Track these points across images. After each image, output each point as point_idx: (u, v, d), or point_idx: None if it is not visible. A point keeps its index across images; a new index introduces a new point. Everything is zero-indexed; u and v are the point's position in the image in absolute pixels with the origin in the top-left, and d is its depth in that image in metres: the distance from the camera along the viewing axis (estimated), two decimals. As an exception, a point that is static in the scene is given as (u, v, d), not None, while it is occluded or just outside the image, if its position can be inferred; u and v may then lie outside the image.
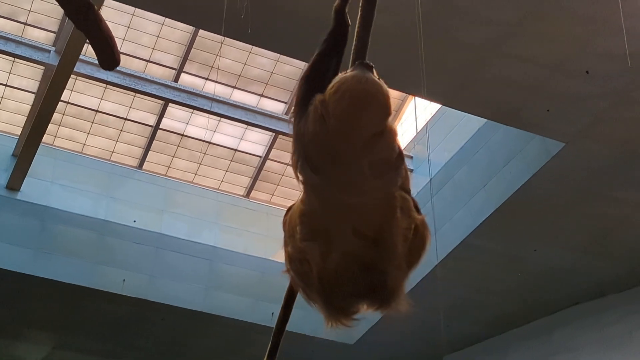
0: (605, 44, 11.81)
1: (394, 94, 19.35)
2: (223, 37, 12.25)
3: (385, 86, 3.16)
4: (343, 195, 3.00)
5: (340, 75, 3.20)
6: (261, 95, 18.56)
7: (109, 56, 3.89)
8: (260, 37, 12.47)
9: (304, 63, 16.90)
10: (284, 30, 12.20)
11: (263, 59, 18.15)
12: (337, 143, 3.01)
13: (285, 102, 18.74)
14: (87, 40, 3.86)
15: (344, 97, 3.02)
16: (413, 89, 13.64)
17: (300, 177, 3.11)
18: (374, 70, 3.22)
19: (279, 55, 16.58)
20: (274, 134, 18.87)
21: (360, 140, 3.01)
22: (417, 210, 3.24)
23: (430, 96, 14.00)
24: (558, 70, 12.45)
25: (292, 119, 3.31)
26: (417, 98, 16.97)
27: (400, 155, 3.15)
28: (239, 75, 18.23)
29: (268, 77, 18.44)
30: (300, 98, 3.29)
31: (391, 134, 3.10)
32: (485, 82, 12.71)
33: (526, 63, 12.37)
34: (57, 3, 3.72)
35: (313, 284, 3.05)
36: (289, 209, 3.31)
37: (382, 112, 3.07)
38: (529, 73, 12.53)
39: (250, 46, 16.38)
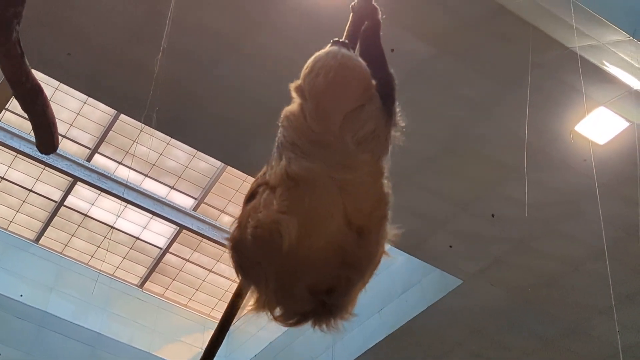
0: (513, 190, 12.18)
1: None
2: (143, 125, 12.25)
3: (361, 60, 3.08)
4: (335, 175, 2.85)
5: (314, 55, 3.08)
6: (172, 188, 18.46)
7: (48, 141, 3.85)
8: (180, 130, 12.48)
9: (219, 162, 16.97)
10: (204, 128, 12.24)
11: (179, 152, 18.13)
12: (318, 123, 2.92)
13: (194, 198, 18.65)
14: (30, 122, 3.80)
15: (318, 75, 2.94)
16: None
17: (292, 170, 2.90)
18: (349, 48, 3.13)
19: (196, 151, 16.59)
20: (178, 227, 18.69)
21: (340, 115, 2.92)
22: None
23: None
24: (465, 208, 12.76)
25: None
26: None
27: (387, 123, 3.03)
28: (153, 165, 18.14)
29: (182, 171, 18.39)
30: None
31: (373, 105, 2.99)
32: (394, 208, 12.89)
33: (436, 197, 12.64)
34: (7, 83, 3.69)
35: (276, 258, 2.79)
36: (262, 175, 3.13)
37: (362, 84, 2.98)
38: (437, 207, 12.79)
39: (170, 138, 16.37)
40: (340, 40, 3.14)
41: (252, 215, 2.90)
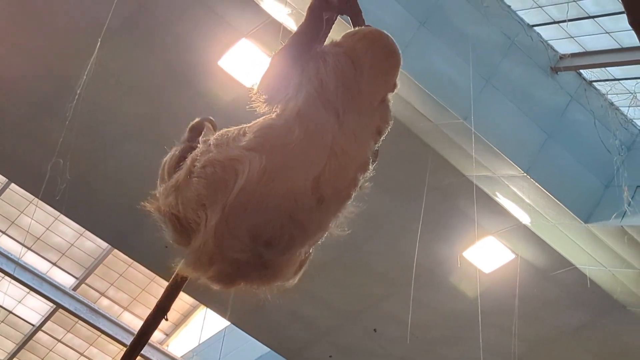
0: (397, 308, 12.26)
1: (187, 299, 19.21)
2: (33, 197, 11.96)
3: None
4: (339, 139, 2.77)
5: (357, 28, 3.07)
6: (54, 264, 17.93)
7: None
8: (72, 207, 12.21)
9: (105, 243, 16.61)
10: (97, 208, 12.03)
11: (67, 229, 17.69)
12: (365, 87, 2.88)
13: (76, 277, 18.15)
14: None
15: (376, 43, 2.96)
16: (209, 300, 13.54)
17: (305, 111, 2.77)
18: None
19: (84, 229, 16.22)
20: (55, 306, 18.08)
21: (383, 93, 2.95)
22: None
23: (223, 312, 13.91)
24: (349, 320, 12.76)
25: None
26: (208, 310, 16.83)
27: (387, 127, 3.02)
28: (38, 238, 17.63)
29: (67, 248, 17.91)
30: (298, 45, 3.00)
31: (388, 106, 3.01)
32: (279, 311, 12.81)
33: (322, 305, 12.61)
34: None
35: (222, 198, 2.63)
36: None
37: (397, 71, 3.01)
38: (322, 315, 12.76)
39: (58, 213, 15.99)
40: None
41: (198, 159, 2.76)
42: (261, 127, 2.74)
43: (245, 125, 2.78)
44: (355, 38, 2.97)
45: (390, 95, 2.99)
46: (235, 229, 2.66)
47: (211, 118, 3.27)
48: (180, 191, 2.78)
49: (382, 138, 3.00)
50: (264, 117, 2.81)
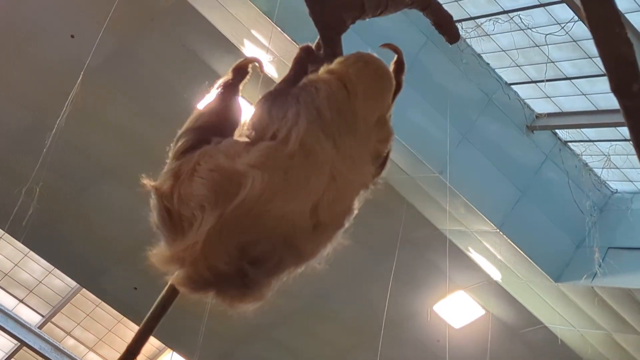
0: (362, 358, 12.20)
1: (154, 342, 19.03)
2: (3, 232, 11.85)
3: None
4: (338, 165, 2.75)
5: (351, 53, 3.05)
6: (21, 301, 17.69)
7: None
8: (42, 244, 12.12)
9: (74, 282, 16.45)
10: (68, 246, 11.92)
11: (36, 266, 17.49)
12: (360, 110, 2.86)
13: (42, 315, 17.91)
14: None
15: (368, 66, 2.95)
16: (176, 344, 13.40)
17: (307, 140, 2.75)
18: None
19: (53, 267, 16.06)
20: (19, 344, 17.80)
21: (379, 110, 2.91)
22: None
23: (189, 357, 13.77)
24: (316, 370, 12.67)
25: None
26: (175, 353, 16.65)
27: (388, 155, 2.98)
28: (6, 274, 17.43)
29: (34, 285, 17.70)
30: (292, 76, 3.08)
31: (390, 128, 2.97)
32: (246, 358, 12.71)
33: (287, 354, 12.52)
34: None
35: (222, 206, 2.61)
36: None
37: (391, 93, 3.01)
38: (288, 364, 12.67)
39: (28, 249, 15.83)
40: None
41: (206, 159, 2.72)
42: (268, 148, 2.71)
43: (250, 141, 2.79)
44: (348, 63, 2.97)
45: (387, 115, 2.97)
46: (226, 240, 2.62)
47: (259, 59, 3.26)
48: (179, 184, 2.75)
49: (385, 156, 2.97)
50: (269, 139, 2.77)
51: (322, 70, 2.98)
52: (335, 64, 2.99)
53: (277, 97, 2.93)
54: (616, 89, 2.23)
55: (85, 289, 15.45)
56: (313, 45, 3.21)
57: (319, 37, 3.09)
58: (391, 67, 3.21)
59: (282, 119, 2.81)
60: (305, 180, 2.70)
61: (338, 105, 2.86)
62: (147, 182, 2.84)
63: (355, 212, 2.88)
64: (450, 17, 3.63)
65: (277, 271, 2.73)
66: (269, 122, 2.81)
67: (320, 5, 3.16)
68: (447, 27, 3.60)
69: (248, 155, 2.69)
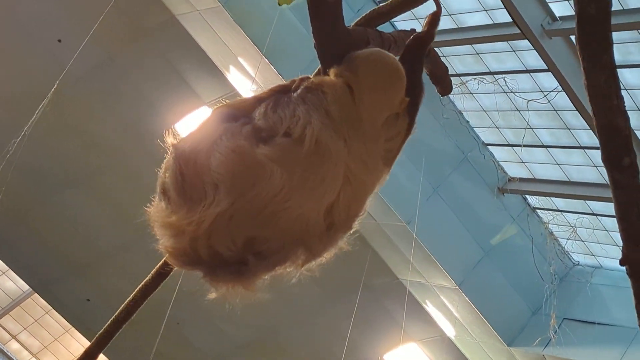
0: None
1: None
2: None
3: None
4: (352, 165, 2.69)
5: (358, 51, 2.96)
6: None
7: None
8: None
9: (27, 286, 16.23)
10: (26, 249, 11.78)
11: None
12: (366, 113, 2.78)
13: (-10, 316, 17.63)
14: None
15: (376, 64, 2.88)
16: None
17: (323, 138, 2.65)
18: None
19: (8, 268, 15.85)
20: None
21: (386, 113, 2.84)
22: None
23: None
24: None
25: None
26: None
27: (400, 148, 2.92)
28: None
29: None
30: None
31: (404, 121, 2.91)
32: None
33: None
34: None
35: (236, 192, 2.49)
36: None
37: (403, 90, 2.91)
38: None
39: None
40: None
41: (228, 136, 2.60)
42: (285, 145, 2.61)
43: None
44: (355, 64, 2.90)
45: (398, 113, 2.91)
46: (235, 229, 2.51)
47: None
48: (197, 150, 2.62)
49: (398, 149, 2.93)
50: (284, 137, 2.66)
51: (332, 72, 2.89)
52: (341, 66, 2.91)
53: (279, 94, 2.84)
54: (607, 160, 2.23)
55: (38, 294, 15.25)
56: (312, 75, 3.10)
57: (319, 66, 3.05)
58: (427, 18, 3.17)
59: (292, 117, 2.71)
60: (321, 181, 2.63)
61: (344, 108, 2.79)
62: (169, 139, 2.71)
63: (365, 214, 2.85)
64: (446, 68, 3.66)
65: (278, 265, 2.64)
66: (276, 119, 2.71)
67: (332, 49, 3.09)
68: (442, 78, 3.63)
69: (266, 147, 2.58)
